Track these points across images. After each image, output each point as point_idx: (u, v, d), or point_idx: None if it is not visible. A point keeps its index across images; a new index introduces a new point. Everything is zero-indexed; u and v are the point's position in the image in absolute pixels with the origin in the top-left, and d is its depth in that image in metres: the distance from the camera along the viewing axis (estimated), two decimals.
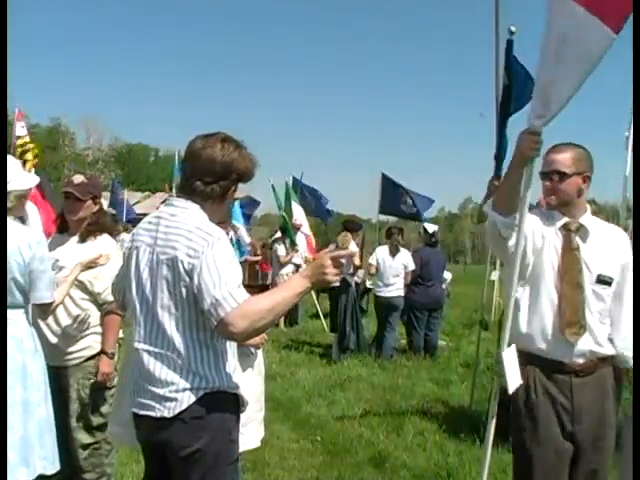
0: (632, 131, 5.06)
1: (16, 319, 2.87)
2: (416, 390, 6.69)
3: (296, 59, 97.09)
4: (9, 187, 2.87)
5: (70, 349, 3.36)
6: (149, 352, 2.19)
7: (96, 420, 3.41)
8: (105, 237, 3.49)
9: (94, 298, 3.39)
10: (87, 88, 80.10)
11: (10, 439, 2.72)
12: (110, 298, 3.35)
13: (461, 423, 5.40)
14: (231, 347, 2.29)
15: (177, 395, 2.13)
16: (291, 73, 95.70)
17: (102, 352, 3.39)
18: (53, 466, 2.92)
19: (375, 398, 6.38)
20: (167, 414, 2.14)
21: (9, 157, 2.99)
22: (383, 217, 11.04)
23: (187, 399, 2.13)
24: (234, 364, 2.29)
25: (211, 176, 2.20)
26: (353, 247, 8.69)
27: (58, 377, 3.21)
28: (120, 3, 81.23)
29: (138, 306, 2.24)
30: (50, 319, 3.26)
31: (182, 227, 2.16)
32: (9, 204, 2.89)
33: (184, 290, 2.12)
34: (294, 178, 12.91)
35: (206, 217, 2.22)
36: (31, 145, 8.07)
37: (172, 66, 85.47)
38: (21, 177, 2.99)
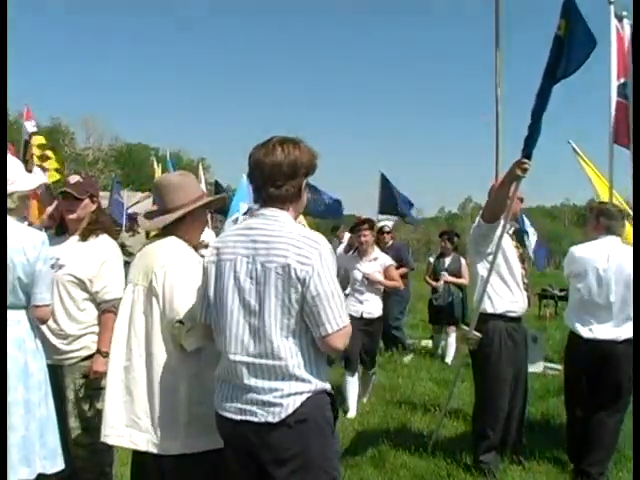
0: (632, 132, 5.07)
1: (18, 320, 2.87)
2: (416, 390, 6.69)
3: (298, 59, 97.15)
4: (12, 188, 2.86)
5: (67, 348, 3.35)
6: (248, 364, 2.21)
7: (94, 420, 3.38)
8: (105, 237, 3.49)
9: (92, 297, 3.38)
10: (87, 88, 79.96)
11: (12, 439, 2.73)
12: (108, 297, 3.35)
13: (461, 423, 5.41)
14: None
15: (282, 400, 2.18)
16: (292, 73, 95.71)
17: (97, 351, 3.37)
18: (54, 465, 2.92)
19: (375, 398, 6.39)
20: (272, 419, 2.18)
21: (12, 158, 3.00)
22: (383, 217, 11.00)
23: (292, 404, 2.18)
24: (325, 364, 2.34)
25: (281, 179, 2.26)
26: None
27: (55, 376, 3.20)
28: (120, 3, 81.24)
29: (236, 317, 2.24)
30: None
31: (285, 235, 2.21)
32: (12, 205, 2.88)
33: (293, 297, 2.17)
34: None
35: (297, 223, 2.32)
36: (49, 153, 7.95)
37: (172, 66, 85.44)
38: (24, 178, 2.99)
